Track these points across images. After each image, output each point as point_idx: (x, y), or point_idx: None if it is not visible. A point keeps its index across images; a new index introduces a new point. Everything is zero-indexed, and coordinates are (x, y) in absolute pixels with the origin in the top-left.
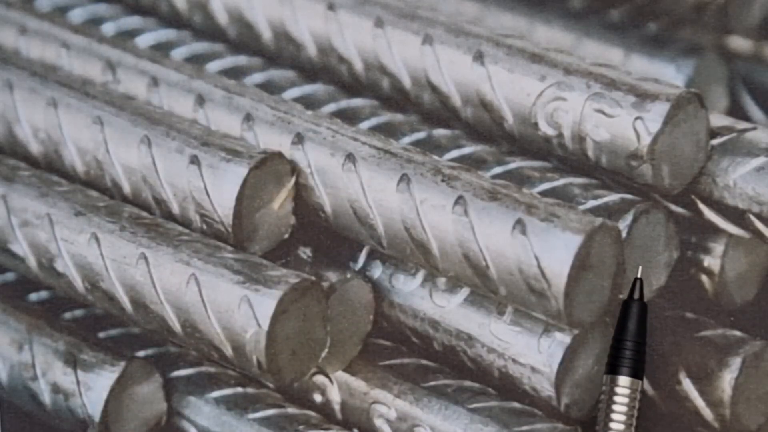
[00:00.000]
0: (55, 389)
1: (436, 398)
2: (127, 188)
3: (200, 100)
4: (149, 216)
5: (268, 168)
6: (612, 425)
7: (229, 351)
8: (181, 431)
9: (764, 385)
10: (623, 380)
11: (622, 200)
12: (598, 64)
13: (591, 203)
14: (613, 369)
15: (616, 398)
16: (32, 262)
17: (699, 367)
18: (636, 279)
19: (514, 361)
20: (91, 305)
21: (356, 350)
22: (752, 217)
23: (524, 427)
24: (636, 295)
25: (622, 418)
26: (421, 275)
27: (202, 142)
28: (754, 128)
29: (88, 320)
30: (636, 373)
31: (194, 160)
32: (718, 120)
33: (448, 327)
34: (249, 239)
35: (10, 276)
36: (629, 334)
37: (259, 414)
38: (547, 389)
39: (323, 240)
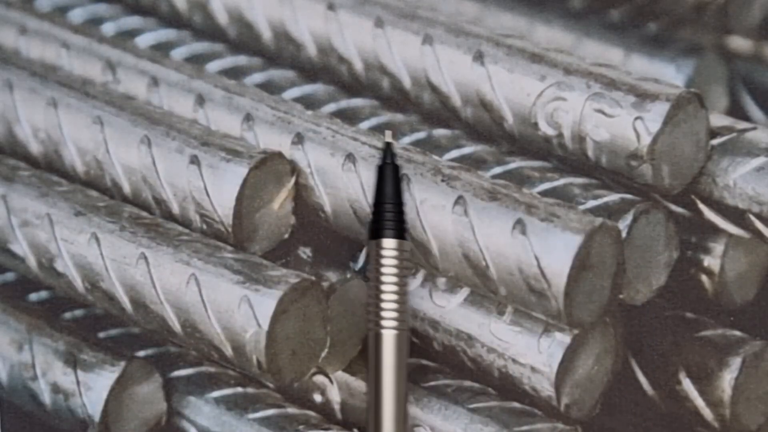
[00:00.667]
0: (55, 389)
1: (436, 398)
2: (127, 188)
3: (200, 100)
4: (149, 216)
5: (268, 168)
6: (384, 288)
7: (229, 351)
8: (181, 431)
9: (764, 385)
10: (388, 242)
11: (622, 200)
12: (598, 64)
13: (591, 203)
14: (376, 234)
15: (384, 261)
16: (32, 262)
17: (699, 367)
18: (387, 143)
19: (514, 361)
20: (91, 305)
21: (356, 350)
22: (752, 217)
23: (524, 427)
24: (388, 160)
25: (394, 279)
26: (421, 275)
27: (202, 142)
28: (754, 128)
29: (88, 320)
30: (400, 234)
31: (194, 160)
32: (718, 120)
33: (448, 327)
34: (249, 239)
35: (10, 276)
36: (387, 197)
37: (259, 414)
38: (547, 389)
39: (323, 240)
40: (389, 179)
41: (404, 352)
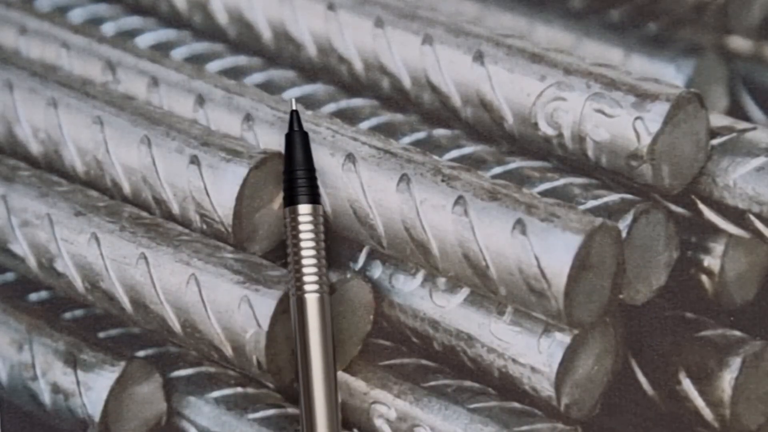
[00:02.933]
0: (55, 389)
1: (436, 398)
2: (127, 188)
3: (200, 100)
4: (149, 216)
5: (268, 168)
6: (303, 253)
7: (229, 351)
8: (181, 431)
9: (764, 385)
10: (304, 208)
11: (622, 200)
12: (598, 64)
13: (591, 203)
14: (291, 201)
15: (302, 227)
16: (32, 262)
17: (699, 367)
18: (292, 111)
19: (514, 361)
20: (91, 305)
21: (356, 350)
22: (752, 217)
23: (524, 427)
24: (296, 127)
25: (311, 244)
26: (421, 275)
27: (202, 142)
28: (754, 128)
29: (88, 320)
30: (315, 199)
31: (194, 160)
32: (718, 120)
33: (448, 327)
34: (249, 239)
35: (10, 276)
36: (298, 164)
37: (259, 414)
38: (547, 389)
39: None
40: (298, 146)
41: (327, 315)
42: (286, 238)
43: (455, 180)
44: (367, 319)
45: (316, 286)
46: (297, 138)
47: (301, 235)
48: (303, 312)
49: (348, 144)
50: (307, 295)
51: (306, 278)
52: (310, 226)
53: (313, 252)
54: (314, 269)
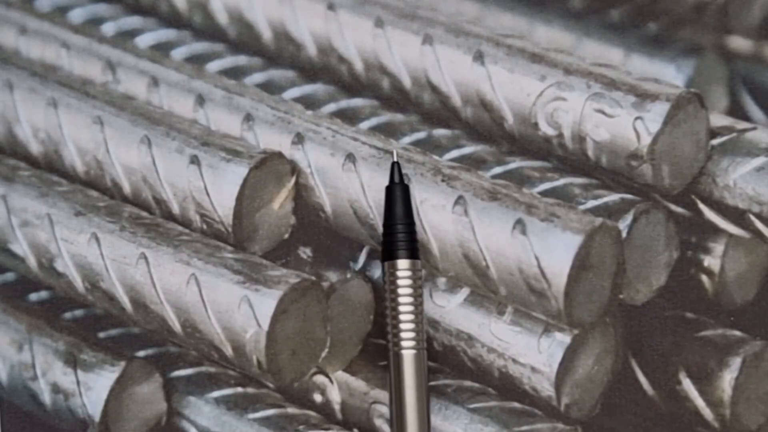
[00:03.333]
0: (55, 389)
1: (436, 398)
2: (127, 188)
3: (200, 100)
4: (149, 216)
5: (268, 168)
6: (401, 309)
7: (229, 351)
8: (181, 431)
9: (764, 385)
10: (402, 263)
11: (622, 200)
12: (598, 64)
13: (591, 203)
14: (390, 255)
15: (400, 282)
16: (32, 262)
17: (699, 367)
18: (393, 163)
19: (514, 361)
20: (91, 305)
21: (356, 350)
22: (752, 217)
23: (524, 427)
24: (396, 179)
25: (410, 300)
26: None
27: (202, 142)
28: (754, 128)
29: (88, 320)
30: (413, 254)
31: (194, 160)
32: (718, 120)
33: (448, 327)
34: (249, 239)
35: (10, 276)
36: (398, 217)
37: (259, 414)
38: (547, 389)
39: (323, 240)
40: (399, 199)
41: (424, 370)
42: (385, 291)
43: (455, 180)
44: (367, 319)
45: (413, 343)
46: (398, 191)
47: (400, 290)
48: (399, 368)
49: (348, 144)
50: (404, 352)
51: (403, 334)
52: (409, 281)
53: (411, 308)
54: (412, 325)
